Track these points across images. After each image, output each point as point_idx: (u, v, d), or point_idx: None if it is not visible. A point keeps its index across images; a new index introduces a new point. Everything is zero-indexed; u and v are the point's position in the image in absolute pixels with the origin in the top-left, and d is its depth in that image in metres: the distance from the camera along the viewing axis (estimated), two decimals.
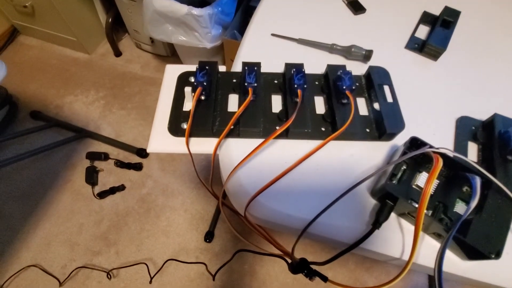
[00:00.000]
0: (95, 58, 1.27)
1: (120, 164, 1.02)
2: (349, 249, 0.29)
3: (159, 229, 0.96)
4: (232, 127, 0.33)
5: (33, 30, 1.25)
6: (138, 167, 1.03)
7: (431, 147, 0.29)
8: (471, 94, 0.39)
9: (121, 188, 1.00)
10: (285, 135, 0.33)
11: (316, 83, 0.37)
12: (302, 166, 0.32)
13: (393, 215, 0.30)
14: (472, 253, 0.26)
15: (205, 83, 0.31)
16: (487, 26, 0.46)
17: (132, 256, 0.91)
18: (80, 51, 1.27)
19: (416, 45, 0.42)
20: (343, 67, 0.35)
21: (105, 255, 0.91)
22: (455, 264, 0.28)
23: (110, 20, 1.17)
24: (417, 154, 0.30)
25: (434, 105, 0.38)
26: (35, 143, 1.08)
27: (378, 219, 0.28)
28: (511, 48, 0.44)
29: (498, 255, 0.25)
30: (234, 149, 0.32)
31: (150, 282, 0.84)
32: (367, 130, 0.34)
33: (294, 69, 0.33)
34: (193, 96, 0.31)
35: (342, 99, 0.33)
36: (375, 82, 0.36)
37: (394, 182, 0.30)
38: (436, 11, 0.46)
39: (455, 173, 0.30)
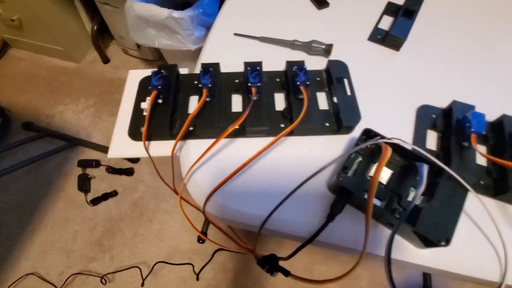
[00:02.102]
0: (83, 66, 1.28)
1: (112, 170, 1.03)
2: (306, 243, 0.29)
3: (152, 233, 0.97)
4: (192, 128, 0.33)
5: (22, 42, 1.27)
6: (129, 172, 1.03)
7: (382, 137, 0.30)
8: (433, 82, 0.39)
9: (114, 194, 1.01)
10: (243, 133, 0.33)
11: (277, 80, 0.37)
12: (260, 164, 0.32)
13: (351, 207, 0.30)
14: (425, 241, 0.27)
15: (159, 87, 0.32)
16: (449, 14, 0.46)
17: (126, 261, 0.92)
18: (68, 60, 1.28)
19: (379, 37, 0.42)
20: (301, 62, 0.35)
21: (100, 261, 0.92)
22: (413, 252, 0.28)
23: (95, 27, 1.18)
24: (370, 145, 0.30)
25: (396, 95, 0.38)
26: (28, 153, 1.09)
27: (331, 212, 0.28)
28: (471, 35, 0.44)
29: (447, 242, 0.25)
30: (193, 150, 0.33)
31: (142, 284, 0.85)
32: (327, 124, 0.34)
33: (249, 67, 0.33)
34: (149, 100, 0.31)
35: (298, 95, 0.33)
36: (333, 76, 0.36)
37: (349, 174, 0.30)
38: (400, 0, 0.46)
39: (409, 163, 0.30)
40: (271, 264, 0.30)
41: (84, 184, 1.04)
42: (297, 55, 0.41)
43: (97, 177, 1.08)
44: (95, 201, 1.03)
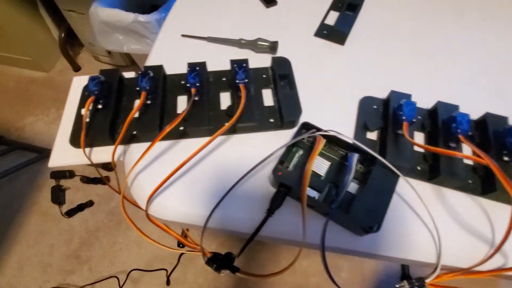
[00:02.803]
0: (53, 76, 1.25)
1: (86, 180, 1.00)
2: (249, 240, 0.30)
3: (132, 241, 0.96)
4: (135, 132, 0.33)
5: None
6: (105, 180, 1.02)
7: (319, 130, 0.30)
8: (375, 74, 0.40)
9: (89, 204, 0.99)
10: (186, 134, 0.33)
11: (223, 79, 0.38)
12: (204, 163, 0.32)
13: (294, 200, 0.31)
14: (359, 228, 0.27)
15: (97, 92, 0.31)
16: (391, 7, 0.47)
17: (106, 271, 0.90)
18: (37, 70, 1.25)
19: (325, 32, 0.43)
20: (243, 61, 0.36)
21: (78, 273, 0.90)
22: (354, 240, 0.29)
23: (62, 35, 1.16)
24: (309, 138, 0.31)
25: (341, 88, 0.39)
26: None
27: (270, 207, 0.29)
28: (412, 28, 0.45)
29: (378, 227, 0.26)
30: (135, 154, 0.32)
31: None
32: (271, 120, 0.35)
33: (188, 68, 0.33)
34: (85, 106, 0.31)
35: (239, 93, 0.34)
36: (276, 72, 0.36)
37: (289, 168, 0.30)
38: None
39: (346, 154, 0.31)
40: (221, 262, 0.31)
41: (58, 196, 1.01)
42: (244, 54, 0.41)
43: (72, 188, 1.05)
44: (70, 213, 1.01)
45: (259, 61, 0.39)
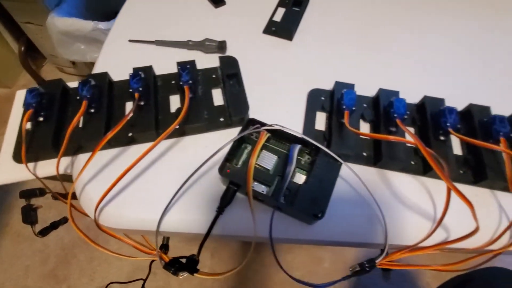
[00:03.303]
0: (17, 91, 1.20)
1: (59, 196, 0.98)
2: (204, 239, 0.30)
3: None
4: (79, 143, 0.32)
5: None
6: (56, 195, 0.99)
7: (263, 125, 0.31)
8: (323, 67, 0.41)
9: (63, 221, 0.95)
10: (134, 140, 0.33)
11: (173, 82, 0.37)
12: (154, 168, 0.32)
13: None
14: (306, 216, 0.28)
15: (34, 104, 0.30)
16: (337, 1, 0.49)
17: None
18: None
19: (274, 29, 0.43)
20: (189, 62, 0.36)
21: None
22: (305, 229, 0.30)
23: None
24: (249, 134, 0.31)
25: (290, 83, 0.39)
26: None
27: (220, 205, 0.29)
28: (358, 19, 0.47)
29: (322, 214, 0.27)
30: (81, 165, 0.32)
31: None
32: (221, 119, 0.35)
33: (130, 74, 0.33)
34: (23, 120, 0.30)
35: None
36: (223, 71, 0.37)
37: (238, 166, 0.31)
38: None
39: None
40: (179, 266, 0.31)
41: (29, 215, 0.96)
42: (194, 55, 0.41)
43: (44, 206, 1.00)
44: (44, 232, 0.96)
45: (209, 61, 0.39)
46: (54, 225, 1.00)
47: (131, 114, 0.30)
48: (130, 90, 0.32)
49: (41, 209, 0.90)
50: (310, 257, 0.95)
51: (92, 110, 0.32)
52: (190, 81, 0.33)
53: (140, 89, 0.32)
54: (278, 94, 0.38)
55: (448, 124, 0.31)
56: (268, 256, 0.91)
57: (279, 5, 0.46)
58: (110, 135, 0.29)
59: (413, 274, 0.93)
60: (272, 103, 0.38)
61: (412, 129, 0.35)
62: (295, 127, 0.36)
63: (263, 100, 0.38)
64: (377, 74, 0.41)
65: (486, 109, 0.34)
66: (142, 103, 0.33)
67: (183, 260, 0.30)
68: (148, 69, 0.36)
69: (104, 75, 0.35)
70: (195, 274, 0.31)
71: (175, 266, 0.30)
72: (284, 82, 0.39)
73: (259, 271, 0.88)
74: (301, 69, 0.41)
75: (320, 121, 0.36)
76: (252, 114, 0.37)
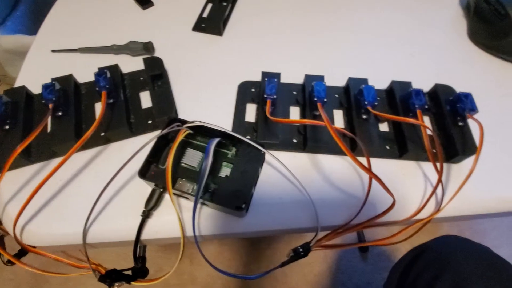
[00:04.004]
0: None
1: None
2: (135, 246, 0.29)
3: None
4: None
5: None
6: None
7: (185, 122, 0.30)
8: (255, 59, 0.41)
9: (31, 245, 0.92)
10: (54, 154, 0.32)
11: (97, 89, 0.36)
12: (78, 180, 0.31)
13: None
14: (231, 210, 0.28)
15: None
16: None
17: None
18: None
19: (203, 25, 0.43)
20: (108, 68, 0.35)
21: None
22: (237, 223, 0.30)
23: None
24: (173, 133, 0.31)
25: (221, 78, 0.39)
26: None
27: (145, 208, 0.28)
28: (286, 10, 0.47)
29: (246, 206, 0.27)
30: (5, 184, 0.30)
31: None
32: (149, 121, 0.34)
33: (43, 85, 0.32)
34: None
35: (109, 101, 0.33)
36: (147, 73, 0.36)
37: (163, 167, 0.30)
38: None
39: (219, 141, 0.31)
40: (115, 277, 0.30)
41: None
42: (122, 59, 0.40)
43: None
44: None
45: (138, 64, 0.38)
46: (23, 252, 0.97)
47: (41, 127, 0.29)
48: (43, 101, 0.30)
49: (8, 236, 0.86)
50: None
51: (7, 127, 0.31)
52: (107, 86, 0.32)
53: (53, 99, 0.30)
54: (209, 90, 0.38)
55: (366, 103, 0.31)
56: (269, 257, 0.91)
57: (208, 1, 0.46)
58: (19, 149, 0.27)
59: (389, 252, 0.95)
60: (204, 100, 0.37)
61: (340, 111, 0.36)
62: (226, 121, 0.35)
63: (194, 98, 0.37)
64: (304, 62, 0.41)
65: (407, 84, 0.35)
66: (59, 113, 0.32)
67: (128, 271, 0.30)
68: (67, 78, 0.34)
69: (21, 89, 0.34)
70: (131, 283, 0.30)
71: (110, 277, 0.30)
72: (215, 78, 0.39)
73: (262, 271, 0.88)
74: (232, 63, 0.40)
75: (251, 113, 0.36)
76: (184, 112, 0.36)
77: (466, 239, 0.38)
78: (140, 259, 0.32)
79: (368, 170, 0.26)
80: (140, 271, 0.32)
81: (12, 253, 0.88)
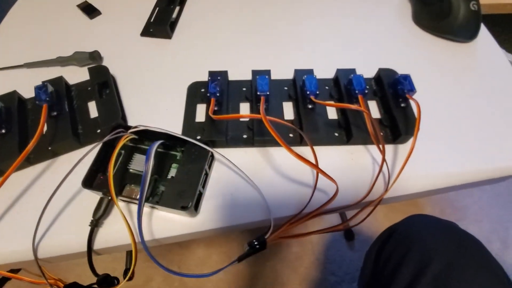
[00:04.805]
0: None
1: None
2: (89, 257, 0.29)
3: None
4: None
5: None
6: None
7: (129, 128, 0.30)
8: (205, 59, 0.41)
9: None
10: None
11: (37, 103, 0.36)
12: (27, 196, 0.31)
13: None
14: (179, 210, 0.28)
15: None
16: None
17: None
18: None
19: (151, 30, 0.43)
20: (50, 81, 0.34)
21: None
22: (188, 223, 0.30)
23: None
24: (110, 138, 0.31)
25: (170, 81, 0.39)
26: None
27: (93, 217, 0.28)
28: (231, 6, 0.48)
29: (192, 205, 0.27)
30: None
31: None
32: (98, 131, 0.34)
33: None
34: None
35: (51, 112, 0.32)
36: (92, 82, 0.36)
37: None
38: None
39: (166, 144, 0.31)
40: None
41: None
42: (69, 70, 0.40)
43: None
44: None
45: (86, 74, 0.38)
46: (2, 280, 0.93)
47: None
48: None
49: None
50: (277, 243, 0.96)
51: None
52: (48, 99, 0.31)
53: None
54: (160, 94, 0.38)
55: (308, 93, 0.32)
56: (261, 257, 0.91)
57: (156, 6, 0.46)
58: None
59: (375, 238, 0.97)
60: (155, 104, 0.37)
61: (290, 103, 0.36)
62: (177, 123, 0.35)
63: (145, 103, 0.37)
64: (252, 58, 0.42)
65: (351, 71, 0.36)
66: (3, 131, 0.31)
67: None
68: (11, 95, 0.34)
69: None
70: None
71: None
72: (165, 81, 0.39)
73: (267, 270, 0.88)
74: (181, 65, 0.40)
75: (201, 113, 0.36)
76: (134, 118, 0.36)
77: (432, 216, 0.39)
78: (92, 270, 0.32)
79: (304, 159, 0.26)
80: (105, 281, 0.31)
81: None
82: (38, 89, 0.32)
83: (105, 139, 0.29)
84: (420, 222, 0.40)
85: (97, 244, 0.29)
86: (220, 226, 0.30)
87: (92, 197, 0.30)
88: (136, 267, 0.34)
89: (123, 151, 0.31)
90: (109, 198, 0.29)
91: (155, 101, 0.37)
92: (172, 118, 0.36)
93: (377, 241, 0.44)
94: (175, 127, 0.35)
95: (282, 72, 0.37)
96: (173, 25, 0.43)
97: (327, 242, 0.99)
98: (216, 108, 0.33)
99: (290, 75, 0.38)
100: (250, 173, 0.31)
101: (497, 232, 0.91)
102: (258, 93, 0.32)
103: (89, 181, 0.28)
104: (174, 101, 0.37)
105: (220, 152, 0.31)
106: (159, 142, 0.28)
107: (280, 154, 0.33)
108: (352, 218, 0.32)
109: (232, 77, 0.38)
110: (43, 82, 0.34)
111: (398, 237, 0.40)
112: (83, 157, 0.28)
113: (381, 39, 0.43)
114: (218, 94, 0.32)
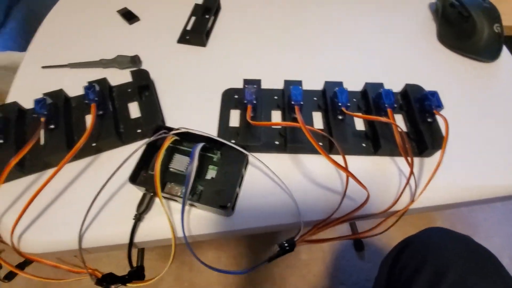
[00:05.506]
0: None
1: None
2: (129, 249, 0.31)
3: (85, 285, 0.90)
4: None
5: None
6: None
7: (171, 130, 0.32)
8: (237, 67, 0.43)
9: (29, 261, 0.92)
10: (46, 165, 0.33)
11: (87, 102, 0.38)
12: (72, 189, 0.33)
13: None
14: (218, 209, 0.30)
15: None
16: (246, 6, 0.52)
17: None
18: None
19: (187, 37, 0.45)
20: (96, 81, 0.37)
21: None
22: (223, 222, 0.31)
23: None
24: (160, 140, 0.33)
25: (205, 86, 0.41)
26: None
27: (137, 212, 0.30)
28: (264, 22, 0.50)
29: (231, 205, 0.29)
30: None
31: None
32: (139, 131, 0.36)
33: (36, 100, 0.33)
34: None
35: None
36: (134, 84, 0.38)
37: (151, 172, 0.32)
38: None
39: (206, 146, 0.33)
40: (110, 280, 0.31)
41: None
42: (110, 72, 0.42)
43: (6, 249, 0.97)
44: (9, 276, 0.92)
45: (126, 77, 0.40)
46: (21, 266, 0.96)
47: (34, 141, 0.30)
48: (34, 116, 0.32)
49: (4, 252, 0.86)
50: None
51: (1, 141, 0.32)
52: (96, 99, 0.34)
53: (45, 113, 0.32)
54: (195, 98, 0.40)
55: (340, 104, 0.33)
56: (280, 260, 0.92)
57: (192, 15, 0.48)
58: (13, 162, 0.29)
59: (385, 250, 0.97)
60: (190, 108, 0.39)
61: (319, 113, 0.38)
62: (212, 127, 0.37)
63: (181, 106, 0.39)
64: (283, 68, 0.44)
65: (379, 86, 0.38)
66: (52, 126, 0.33)
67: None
68: (58, 93, 0.36)
69: (13, 104, 0.35)
70: (127, 284, 0.32)
71: (106, 281, 0.31)
72: (200, 86, 0.41)
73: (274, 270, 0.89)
74: (215, 72, 0.43)
75: (235, 119, 0.38)
76: (171, 120, 0.38)
77: (447, 229, 0.41)
78: (130, 262, 0.33)
79: (341, 166, 0.28)
80: (136, 274, 0.33)
81: (2, 271, 0.87)
82: (87, 89, 0.34)
83: (151, 139, 0.31)
84: (437, 234, 0.42)
85: (138, 237, 0.31)
86: (253, 226, 0.32)
87: (131, 193, 0.32)
88: (147, 266, 0.35)
89: (165, 151, 0.33)
90: (151, 194, 0.31)
91: (190, 105, 0.39)
92: (207, 122, 0.38)
93: (393, 251, 0.45)
94: (210, 130, 0.37)
95: (311, 82, 0.39)
96: (207, 33, 0.46)
97: (337, 251, 0.99)
98: (252, 115, 0.35)
99: (316, 85, 0.39)
100: (282, 177, 0.33)
101: (507, 248, 0.91)
102: (293, 103, 0.33)
103: (134, 178, 0.30)
104: (209, 105, 0.39)
105: (255, 156, 0.33)
106: (201, 144, 0.30)
107: (309, 161, 0.35)
108: (377, 227, 0.34)
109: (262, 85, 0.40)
110: (89, 82, 0.37)
111: (415, 247, 0.41)
112: (131, 154, 0.29)
113: (406, 55, 0.45)
114: (254, 102, 0.34)
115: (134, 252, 0.37)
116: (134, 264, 0.33)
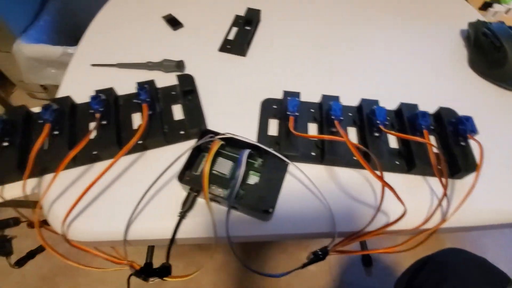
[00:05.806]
0: None
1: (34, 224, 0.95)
2: (170, 244, 0.32)
3: (94, 279, 0.91)
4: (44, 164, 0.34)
5: None
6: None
7: (217, 134, 0.34)
8: (275, 78, 0.45)
9: (41, 249, 0.93)
10: (98, 157, 0.35)
11: (134, 101, 0.40)
12: (119, 183, 0.34)
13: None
14: (258, 213, 0.31)
15: None
16: (284, 20, 0.54)
17: None
18: None
19: (228, 46, 0.47)
20: (147, 82, 0.39)
21: None
22: (261, 226, 0.33)
23: None
24: (205, 143, 0.34)
25: (245, 94, 0.43)
26: None
27: (182, 210, 0.32)
28: (303, 36, 0.52)
29: (273, 209, 0.30)
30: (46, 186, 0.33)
31: None
32: (182, 132, 0.38)
33: (91, 96, 0.35)
34: None
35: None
36: (180, 88, 0.40)
37: (197, 173, 0.34)
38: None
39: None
40: (149, 272, 0.32)
41: (3, 247, 0.93)
42: (154, 75, 0.44)
43: (19, 235, 0.98)
44: (20, 262, 0.93)
45: (169, 80, 0.43)
46: (32, 254, 0.98)
47: (93, 133, 0.32)
48: (92, 111, 0.34)
49: (16, 239, 0.88)
50: (293, 260, 0.97)
51: (56, 132, 0.34)
52: (148, 99, 0.36)
53: (101, 109, 0.34)
54: (234, 105, 0.42)
55: (378, 122, 0.35)
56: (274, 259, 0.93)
57: (233, 25, 0.51)
58: (72, 153, 0.31)
59: (393, 266, 0.97)
60: (229, 114, 0.41)
61: (354, 128, 0.40)
62: (250, 134, 0.39)
63: (221, 112, 0.41)
64: (320, 82, 0.46)
65: (414, 106, 0.39)
66: (104, 122, 0.35)
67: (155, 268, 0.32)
68: (109, 91, 0.38)
69: (66, 98, 0.37)
70: (164, 278, 0.33)
71: (145, 272, 0.32)
72: (240, 94, 0.43)
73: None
74: (254, 81, 0.45)
75: (273, 128, 0.39)
76: (211, 125, 0.40)
77: (465, 250, 0.42)
78: (167, 257, 0.35)
79: (384, 181, 0.29)
80: (167, 268, 0.34)
81: (20, 255, 0.88)
82: (139, 89, 0.36)
83: (200, 141, 0.32)
84: (455, 255, 0.43)
85: (180, 234, 0.32)
86: (289, 232, 0.33)
87: (173, 191, 0.34)
88: (156, 264, 0.36)
89: (207, 154, 0.35)
90: (195, 194, 0.32)
91: (230, 112, 0.41)
92: (245, 129, 0.39)
93: (409, 269, 0.46)
94: (249, 137, 0.38)
95: (345, 98, 0.41)
96: (248, 44, 0.48)
97: (344, 265, 0.99)
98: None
99: (349, 102, 0.41)
100: (319, 187, 0.34)
101: None
102: (333, 117, 0.35)
103: (181, 177, 0.32)
104: (248, 113, 0.41)
105: (296, 165, 0.35)
106: (248, 151, 0.32)
107: (344, 173, 0.36)
108: (406, 242, 0.35)
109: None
110: (138, 83, 0.39)
111: (433, 266, 0.42)
112: (181, 155, 0.31)
113: (439, 79, 0.47)
114: (296, 114, 0.35)
115: (141, 250, 0.38)
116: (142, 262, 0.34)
